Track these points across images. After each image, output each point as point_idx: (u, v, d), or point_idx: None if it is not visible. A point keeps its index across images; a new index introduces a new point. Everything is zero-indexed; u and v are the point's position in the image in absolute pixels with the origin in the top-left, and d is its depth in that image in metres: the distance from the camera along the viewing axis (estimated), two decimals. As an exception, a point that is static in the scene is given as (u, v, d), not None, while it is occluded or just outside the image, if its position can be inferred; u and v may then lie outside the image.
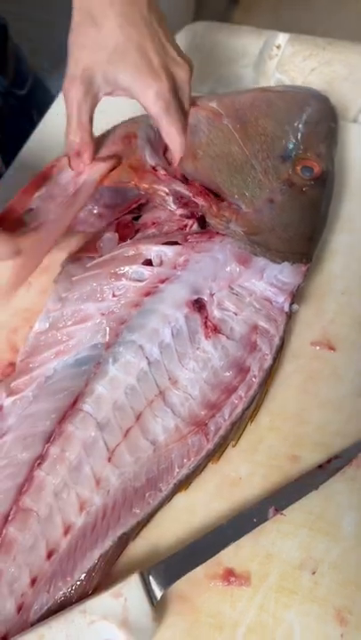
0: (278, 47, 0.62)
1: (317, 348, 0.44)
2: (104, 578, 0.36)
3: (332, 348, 0.43)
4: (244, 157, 0.45)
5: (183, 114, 0.44)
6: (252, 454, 0.40)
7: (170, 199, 0.44)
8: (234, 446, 0.40)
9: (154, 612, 0.34)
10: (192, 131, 0.45)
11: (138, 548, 0.38)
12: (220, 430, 0.40)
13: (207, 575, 0.36)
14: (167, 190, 0.44)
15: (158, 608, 0.35)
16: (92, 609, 0.34)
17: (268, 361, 0.42)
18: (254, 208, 0.44)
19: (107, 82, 0.41)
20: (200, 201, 0.44)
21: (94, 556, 0.37)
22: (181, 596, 0.36)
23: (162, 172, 0.45)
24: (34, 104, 0.66)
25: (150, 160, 0.45)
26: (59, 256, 0.49)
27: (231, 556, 0.37)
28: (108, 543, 0.37)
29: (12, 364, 0.45)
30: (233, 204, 0.44)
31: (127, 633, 0.33)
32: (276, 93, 0.47)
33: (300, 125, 0.46)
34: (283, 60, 0.61)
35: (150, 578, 0.35)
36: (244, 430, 0.41)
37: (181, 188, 0.44)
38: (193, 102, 0.46)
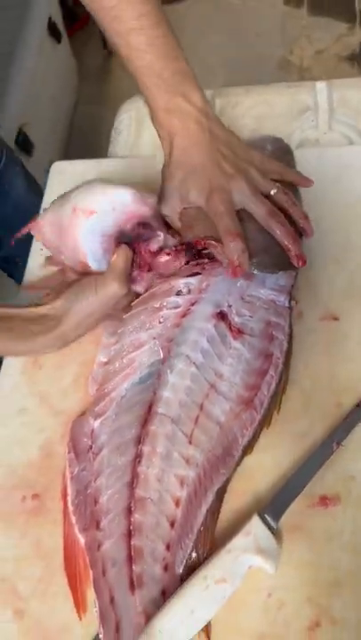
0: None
1: (325, 321, 0.57)
2: (215, 523, 0.49)
3: (336, 319, 0.58)
4: None
5: (260, 214, 0.57)
6: (307, 412, 0.54)
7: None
8: (278, 413, 0.54)
9: (275, 538, 0.47)
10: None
11: (249, 499, 0.50)
12: (263, 403, 0.54)
13: (308, 506, 0.49)
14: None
15: (277, 535, 0.48)
16: (235, 547, 0.47)
17: (285, 344, 0.57)
18: (247, 238, 0.57)
19: (182, 200, 0.59)
20: (208, 248, 0.58)
21: (203, 512, 0.49)
22: (295, 526, 0.49)
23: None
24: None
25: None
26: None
27: (320, 486, 0.50)
28: (210, 499, 0.50)
29: None
30: None
31: (262, 557, 0.46)
32: None
33: None
34: (217, 114, 0.75)
35: (265, 515, 0.48)
36: (281, 399, 0.54)
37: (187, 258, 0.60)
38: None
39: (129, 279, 0.57)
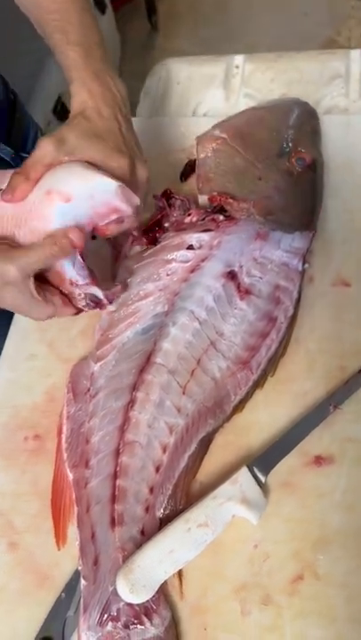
0: (237, 67, 0.77)
1: (336, 287, 0.57)
2: (196, 470, 0.50)
3: (347, 285, 0.57)
4: (248, 163, 0.59)
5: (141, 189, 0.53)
6: (311, 373, 0.54)
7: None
8: (272, 376, 0.54)
9: (262, 491, 0.48)
10: (202, 162, 0.60)
11: (242, 453, 0.51)
12: (260, 365, 0.54)
13: (302, 464, 0.49)
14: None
15: (265, 489, 0.48)
16: (220, 494, 0.47)
17: (291, 310, 0.56)
18: (264, 196, 0.57)
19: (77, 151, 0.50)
20: (223, 203, 0.58)
21: (185, 459, 0.50)
22: (287, 483, 0.49)
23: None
24: None
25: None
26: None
27: (316, 445, 0.50)
28: (193, 446, 0.51)
29: None
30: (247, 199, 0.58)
31: (246, 507, 0.47)
32: (265, 108, 0.62)
33: (289, 127, 0.60)
34: (246, 77, 0.76)
35: (254, 468, 0.49)
36: (278, 363, 0.54)
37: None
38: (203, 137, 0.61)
39: None
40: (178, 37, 2.19)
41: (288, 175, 0.59)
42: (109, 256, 0.62)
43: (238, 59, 0.78)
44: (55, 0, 0.55)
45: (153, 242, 0.61)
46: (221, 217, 0.58)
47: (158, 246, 0.58)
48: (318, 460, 0.49)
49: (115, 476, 0.49)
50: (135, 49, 2.07)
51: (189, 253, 0.57)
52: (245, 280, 0.56)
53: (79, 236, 0.48)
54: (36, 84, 1.40)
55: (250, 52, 0.79)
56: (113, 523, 0.47)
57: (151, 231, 0.62)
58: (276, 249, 0.58)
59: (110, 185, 0.49)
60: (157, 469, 0.49)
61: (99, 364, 0.55)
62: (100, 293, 0.53)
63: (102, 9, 1.69)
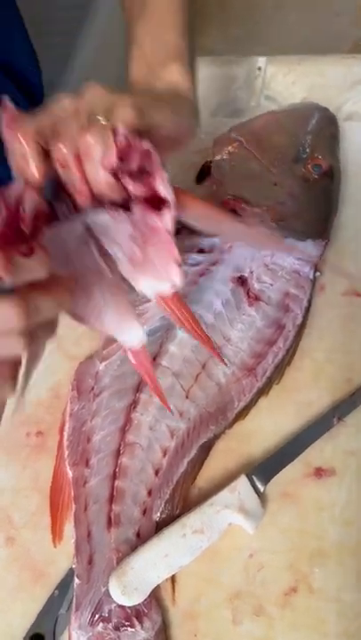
0: (260, 69, 0.76)
1: (348, 296, 0.56)
2: (195, 476, 0.50)
3: (358, 295, 0.57)
4: (263, 168, 0.59)
5: None
6: (317, 383, 0.53)
7: None
8: (277, 384, 0.53)
9: (260, 501, 0.47)
10: (217, 165, 0.60)
11: (243, 460, 0.50)
12: (266, 372, 0.53)
13: (302, 475, 0.49)
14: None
15: (263, 498, 0.48)
16: (217, 501, 0.47)
17: (299, 318, 0.56)
18: (278, 202, 0.57)
19: None
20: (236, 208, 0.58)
21: (184, 463, 0.50)
22: (287, 493, 0.49)
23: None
24: None
25: None
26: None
27: (317, 457, 0.49)
28: (193, 452, 0.50)
29: None
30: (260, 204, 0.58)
31: (243, 516, 0.46)
32: (283, 112, 0.62)
33: (307, 133, 0.59)
34: (267, 79, 0.75)
35: (253, 477, 0.48)
36: (284, 371, 0.54)
37: None
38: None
39: None
40: (207, 35, 2.17)
41: (303, 181, 0.59)
42: None
43: (261, 60, 0.77)
44: None
45: None
46: None
47: None
48: (319, 472, 0.49)
49: (114, 476, 0.49)
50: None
51: (200, 257, 0.56)
52: (255, 286, 0.56)
53: None
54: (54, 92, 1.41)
55: (280, 51, 0.78)
56: (109, 523, 0.47)
57: None
58: (287, 256, 0.58)
59: None
60: (157, 472, 0.49)
61: (104, 363, 0.55)
62: None
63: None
